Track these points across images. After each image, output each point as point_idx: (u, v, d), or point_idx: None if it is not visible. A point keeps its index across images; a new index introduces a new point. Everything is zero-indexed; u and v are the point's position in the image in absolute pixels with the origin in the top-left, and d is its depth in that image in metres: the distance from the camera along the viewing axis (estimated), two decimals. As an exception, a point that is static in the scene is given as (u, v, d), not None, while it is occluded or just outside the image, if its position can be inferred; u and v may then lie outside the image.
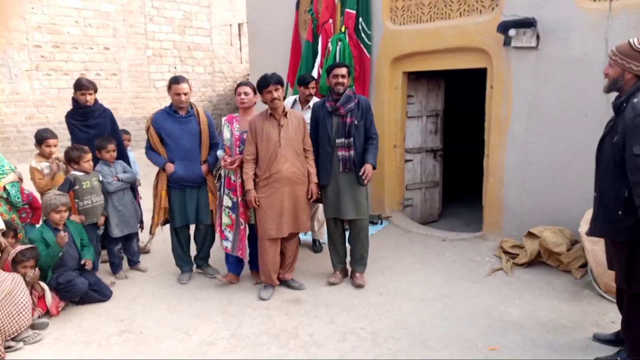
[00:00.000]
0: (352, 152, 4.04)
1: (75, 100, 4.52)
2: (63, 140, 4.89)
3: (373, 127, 4.19)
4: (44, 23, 7.43)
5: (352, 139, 4.03)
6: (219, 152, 4.23)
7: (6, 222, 3.88)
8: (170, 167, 4.19)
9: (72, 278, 3.76)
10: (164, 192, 4.23)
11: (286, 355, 3.17)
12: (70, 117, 4.57)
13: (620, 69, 2.74)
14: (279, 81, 3.85)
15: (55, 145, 4.34)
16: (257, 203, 3.91)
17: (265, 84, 3.82)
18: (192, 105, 4.28)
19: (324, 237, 5.01)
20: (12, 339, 3.30)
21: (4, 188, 3.97)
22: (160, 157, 4.23)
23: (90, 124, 4.49)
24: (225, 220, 4.11)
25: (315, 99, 4.88)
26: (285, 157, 3.89)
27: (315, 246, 5.12)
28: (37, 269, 3.60)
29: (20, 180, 4.23)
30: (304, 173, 4.01)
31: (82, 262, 3.91)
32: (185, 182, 4.21)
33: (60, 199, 3.83)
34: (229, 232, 4.12)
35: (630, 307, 2.81)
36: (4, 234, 3.78)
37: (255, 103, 4.15)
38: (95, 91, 4.52)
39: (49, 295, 3.68)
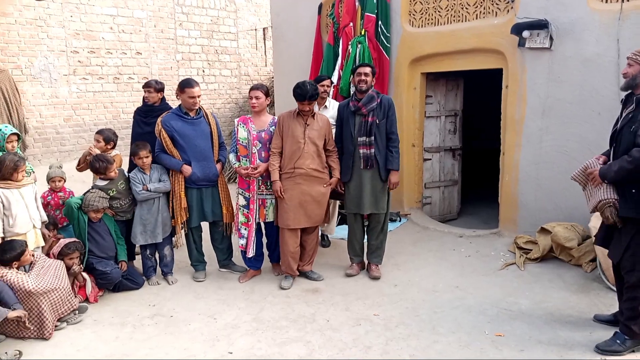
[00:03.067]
0: (372, 150, 4.24)
1: (144, 99, 5.03)
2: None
3: (394, 126, 4.33)
4: (81, 30, 7.89)
5: (373, 138, 4.23)
6: (231, 156, 4.38)
7: (47, 215, 4.24)
8: (187, 169, 4.26)
9: (107, 269, 4.07)
10: (182, 192, 4.31)
11: (304, 338, 3.41)
12: (135, 113, 5.08)
13: None
14: (314, 97, 4.06)
15: (97, 141, 4.66)
16: (282, 194, 4.16)
17: (301, 98, 4.05)
18: (199, 107, 4.40)
19: (332, 232, 5.25)
20: (57, 320, 3.64)
21: None
22: (174, 160, 4.29)
23: (148, 122, 4.83)
24: (241, 218, 4.36)
25: (330, 99, 5.09)
26: (308, 154, 4.14)
27: (324, 241, 5.32)
28: (80, 263, 3.94)
29: (64, 179, 4.62)
30: (323, 171, 4.25)
31: (119, 265, 4.23)
32: (202, 182, 4.34)
33: (103, 202, 4.12)
34: (245, 229, 4.36)
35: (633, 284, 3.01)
36: (47, 228, 4.13)
37: (267, 105, 4.35)
38: (157, 91, 4.89)
39: (89, 286, 4.02)
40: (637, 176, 2.88)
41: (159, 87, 4.92)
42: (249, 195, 4.30)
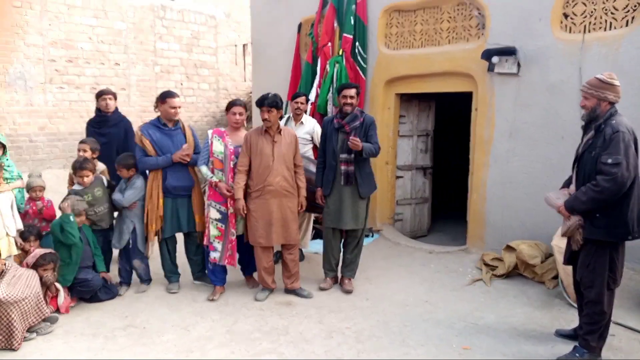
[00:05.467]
0: (352, 167, 4.35)
1: (98, 109, 4.99)
2: (73, 150, 5.15)
3: (375, 138, 4.40)
4: (60, 39, 7.86)
5: (353, 155, 4.33)
6: (203, 168, 4.28)
7: (29, 225, 4.20)
8: (177, 154, 4.22)
9: (89, 276, 4.10)
10: (161, 200, 4.30)
11: (277, 349, 3.47)
12: (89, 125, 5.05)
13: (597, 99, 3.16)
14: (272, 104, 4.08)
15: (84, 150, 4.56)
16: (245, 212, 4.19)
17: (259, 104, 4.13)
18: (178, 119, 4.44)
19: (307, 247, 5.32)
20: (27, 330, 3.60)
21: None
22: (160, 157, 4.28)
23: (103, 132, 4.86)
24: (214, 232, 4.30)
25: (306, 116, 5.23)
26: (277, 171, 4.17)
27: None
28: (55, 272, 3.92)
29: (44, 188, 4.56)
30: (293, 187, 4.30)
31: (101, 275, 4.26)
32: (178, 191, 4.35)
33: (82, 204, 4.14)
34: (218, 242, 4.31)
35: (593, 298, 3.19)
36: (26, 238, 4.08)
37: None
38: (115, 98, 4.94)
39: (62, 296, 4.00)
40: (606, 203, 3.05)
41: (113, 93, 4.98)
42: (225, 210, 4.26)
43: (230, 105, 4.33)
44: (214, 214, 4.29)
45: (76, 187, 4.38)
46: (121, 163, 4.40)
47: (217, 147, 4.26)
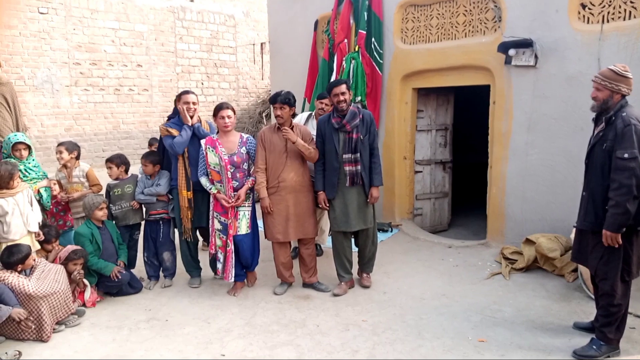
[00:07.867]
0: (359, 167, 4.24)
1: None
2: (97, 150, 5.29)
3: (376, 141, 4.35)
4: (84, 42, 8.11)
5: (358, 154, 4.23)
6: (203, 180, 4.25)
7: (48, 226, 4.34)
8: (186, 117, 4.30)
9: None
10: (187, 191, 4.34)
11: (294, 342, 3.54)
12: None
13: (609, 91, 3.12)
14: (285, 101, 4.13)
15: (60, 152, 4.63)
16: (271, 209, 4.25)
17: (272, 101, 4.20)
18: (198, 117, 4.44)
19: (325, 242, 5.35)
20: (56, 323, 3.76)
21: (38, 191, 4.39)
22: (181, 132, 4.27)
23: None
24: (218, 242, 4.33)
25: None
26: (290, 167, 4.23)
27: (317, 250, 5.35)
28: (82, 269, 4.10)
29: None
30: (308, 182, 4.36)
31: (118, 264, 4.38)
32: (197, 187, 4.36)
33: (100, 197, 4.36)
34: (221, 253, 4.33)
35: (608, 290, 3.16)
36: (49, 241, 4.20)
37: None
38: None
39: (88, 292, 4.18)
40: (637, 199, 2.96)
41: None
42: (226, 221, 4.25)
43: (217, 109, 4.24)
44: (216, 224, 4.31)
45: (110, 182, 4.65)
46: (149, 158, 4.55)
47: (212, 158, 4.19)
